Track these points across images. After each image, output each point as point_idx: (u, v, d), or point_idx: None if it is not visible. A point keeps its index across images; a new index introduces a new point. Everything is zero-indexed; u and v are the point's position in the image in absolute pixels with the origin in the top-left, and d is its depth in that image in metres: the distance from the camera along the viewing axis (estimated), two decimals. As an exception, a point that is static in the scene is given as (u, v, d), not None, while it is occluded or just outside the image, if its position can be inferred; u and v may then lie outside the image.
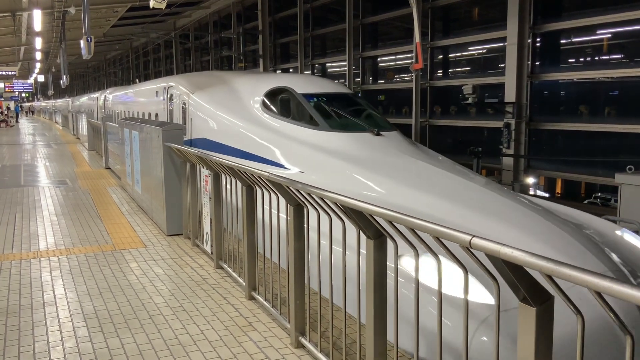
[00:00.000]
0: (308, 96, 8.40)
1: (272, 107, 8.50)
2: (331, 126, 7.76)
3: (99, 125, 15.34)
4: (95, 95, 27.11)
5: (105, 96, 22.98)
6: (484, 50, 15.89)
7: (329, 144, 7.41)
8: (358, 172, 6.71)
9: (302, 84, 8.85)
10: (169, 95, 11.28)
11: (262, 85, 8.93)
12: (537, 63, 13.70)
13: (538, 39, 13.62)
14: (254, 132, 8.10)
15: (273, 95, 8.69)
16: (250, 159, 7.63)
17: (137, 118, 13.05)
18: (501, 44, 14.18)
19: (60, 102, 48.73)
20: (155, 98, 12.54)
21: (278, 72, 24.59)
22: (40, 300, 4.63)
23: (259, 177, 3.96)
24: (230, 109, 8.83)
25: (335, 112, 8.16)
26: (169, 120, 10.95)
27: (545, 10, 13.36)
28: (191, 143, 9.45)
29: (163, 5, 13.82)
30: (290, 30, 24.48)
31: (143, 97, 14.61)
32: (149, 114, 13.31)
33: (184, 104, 10.11)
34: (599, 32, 12.51)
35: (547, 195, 13.87)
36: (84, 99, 31.62)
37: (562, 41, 13.56)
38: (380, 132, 7.67)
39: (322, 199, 3.15)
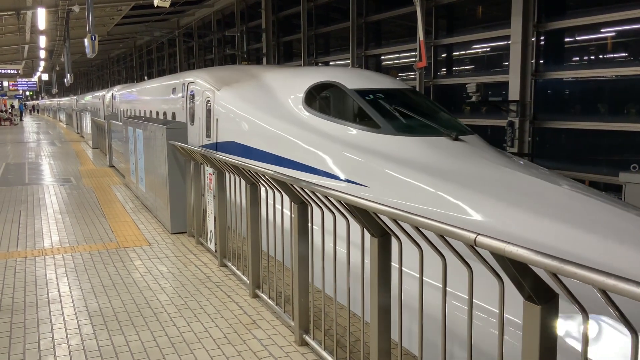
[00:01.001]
0: (361, 92, 6.97)
1: (317, 105, 7.19)
2: (397, 129, 6.31)
3: (103, 123, 15.36)
4: (101, 93, 25.83)
5: (112, 94, 21.60)
6: (488, 49, 15.86)
7: (398, 152, 5.94)
8: (448, 190, 5.18)
9: (352, 78, 7.42)
10: (189, 93, 9.91)
11: (302, 81, 7.63)
12: (541, 61, 13.67)
13: (542, 37, 13.58)
14: (297, 136, 6.75)
15: (318, 91, 7.37)
16: (293, 168, 6.43)
17: (150, 119, 12.32)
18: (505, 42, 14.15)
19: (65, 100, 48.63)
20: (172, 96, 11.17)
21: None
22: (45, 297, 4.65)
23: (263, 175, 3.97)
24: (266, 109, 7.52)
25: (398, 112, 6.72)
26: (189, 121, 9.75)
27: (549, 8, 13.33)
28: (217, 147, 8.29)
29: (167, 4, 13.85)
30: (293, 28, 24.47)
31: (157, 94, 13.21)
32: (164, 114, 11.91)
33: (208, 102, 8.75)
34: (603, 30, 12.48)
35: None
36: (90, 97, 30.55)
37: (566, 39, 13.52)
38: (459, 137, 6.23)
39: (326, 197, 3.16)
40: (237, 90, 8.35)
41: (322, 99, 7.35)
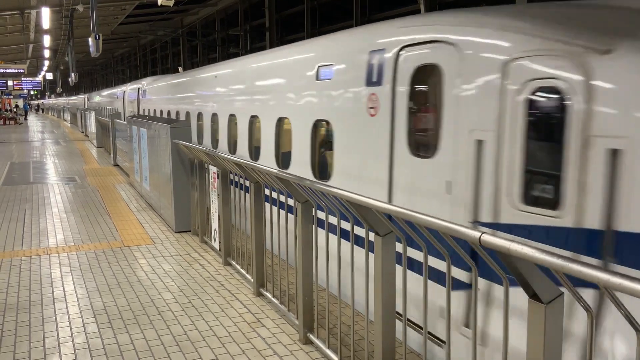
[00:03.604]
0: None
1: None
2: None
3: (108, 122, 15.38)
4: (120, 89, 20.48)
5: (140, 90, 16.18)
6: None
7: None
8: None
9: None
10: (409, 72, 4.17)
11: None
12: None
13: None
14: None
15: None
16: None
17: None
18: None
19: (73, 99, 48.09)
20: (322, 84, 5.54)
21: None
22: (50, 296, 4.66)
23: (267, 175, 3.97)
24: None
25: None
26: (383, 138, 4.48)
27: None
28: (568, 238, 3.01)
29: (171, 3, 13.84)
30: (297, 27, 24.49)
31: (249, 81, 7.58)
32: (278, 121, 6.48)
33: (565, 99, 3.03)
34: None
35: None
36: (105, 96, 26.96)
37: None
38: None
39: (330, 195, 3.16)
40: None
41: None
